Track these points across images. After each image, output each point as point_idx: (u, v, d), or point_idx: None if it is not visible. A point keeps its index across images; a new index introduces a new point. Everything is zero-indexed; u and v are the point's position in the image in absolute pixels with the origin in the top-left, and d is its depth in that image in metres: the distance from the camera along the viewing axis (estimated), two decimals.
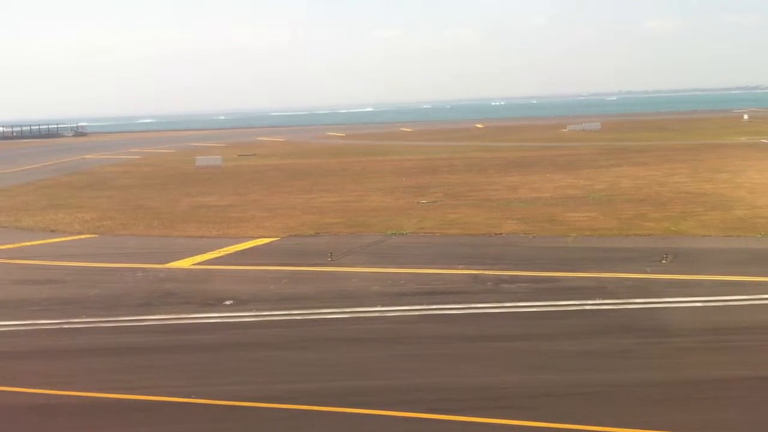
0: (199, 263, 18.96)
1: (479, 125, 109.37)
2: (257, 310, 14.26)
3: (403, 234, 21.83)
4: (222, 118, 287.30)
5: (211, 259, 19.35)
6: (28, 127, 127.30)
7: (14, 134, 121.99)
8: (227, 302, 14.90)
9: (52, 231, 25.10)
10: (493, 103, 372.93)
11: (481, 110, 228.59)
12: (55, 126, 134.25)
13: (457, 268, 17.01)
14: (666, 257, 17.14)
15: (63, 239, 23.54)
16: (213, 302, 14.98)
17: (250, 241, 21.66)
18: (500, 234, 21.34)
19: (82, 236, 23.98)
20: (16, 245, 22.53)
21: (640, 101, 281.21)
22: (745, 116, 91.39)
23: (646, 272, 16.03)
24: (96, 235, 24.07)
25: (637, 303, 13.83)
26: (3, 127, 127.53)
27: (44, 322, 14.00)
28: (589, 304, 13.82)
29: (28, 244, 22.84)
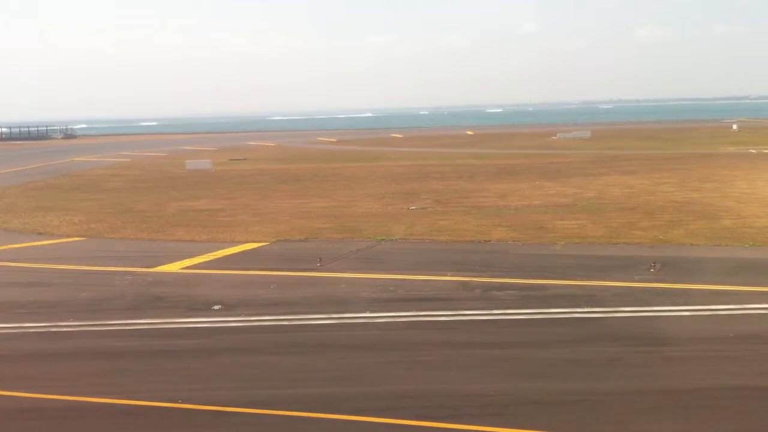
0: (187, 267, 18.91)
1: (470, 132, 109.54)
2: (245, 315, 14.23)
3: (392, 240, 21.83)
4: (223, 121, 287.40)
5: (199, 264, 19.30)
6: (17, 129, 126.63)
7: (3, 136, 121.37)
8: (215, 307, 14.86)
9: (40, 233, 24.98)
10: (489, 110, 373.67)
11: (477, 117, 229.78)
12: (44, 128, 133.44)
13: (446, 275, 17.02)
14: (654, 266, 17.20)
15: (51, 242, 23.43)
16: (201, 307, 14.94)
17: (240, 246, 21.62)
18: (489, 241, 21.37)
19: (71, 239, 23.89)
20: (4, 247, 22.42)
21: (632, 110, 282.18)
22: (734, 126, 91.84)
23: (634, 280, 16.07)
24: (84, 238, 23.98)
25: (626, 311, 13.86)
26: None
27: (31, 325, 13.93)
28: (578, 312, 13.85)
29: (16, 246, 22.73)
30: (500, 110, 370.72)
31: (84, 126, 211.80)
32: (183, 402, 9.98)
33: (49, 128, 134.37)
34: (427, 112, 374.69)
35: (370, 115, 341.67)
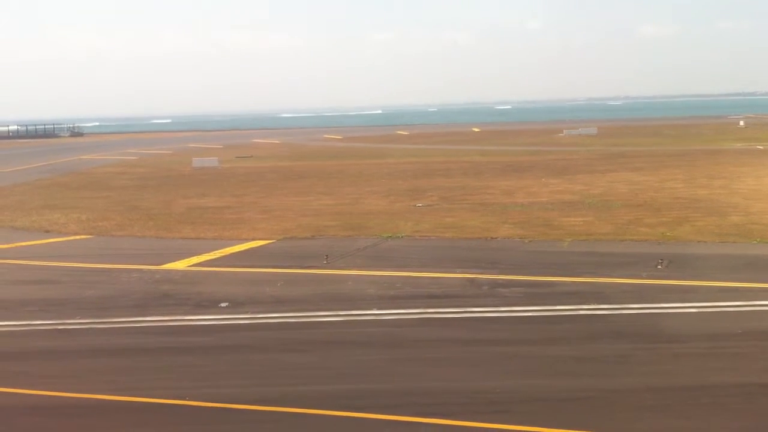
0: (194, 265, 18.94)
1: (476, 129, 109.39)
2: (253, 312, 14.24)
3: (399, 237, 21.82)
4: (235, 118, 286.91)
5: (206, 261, 19.32)
6: (24, 127, 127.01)
7: (10, 134, 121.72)
8: (223, 304, 14.88)
9: (48, 231, 25.05)
10: (499, 107, 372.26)
11: (486, 114, 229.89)
12: (52, 126, 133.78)
13: (453, 272, 17.00)
14: (661, 263, 17.17)
15: (58, 240, 23.50)
16: (208, 304, 14.96)
17: (246, 243, 21.64)
18: (496, 238, 21.35)
19: (78, 237, 23.95)
20: (11, 245, 22.48)
21: (640, 106, 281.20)
22: (741, 122, 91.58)
23: (641, 277, 16.04)
24: (91, 236, 24.03)
25: (633, 308, 13.83)
26: None
27: (39, 323, 13.97)
28: (585, 309, 13.83)
29: (23, 244, 22.79)
30: (509, 107, 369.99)
31: (96, 124, 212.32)
32: (191, 399, 10.00)
33: (56, 126, 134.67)
34: (435, 110, 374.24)
35: (380, 112, 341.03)
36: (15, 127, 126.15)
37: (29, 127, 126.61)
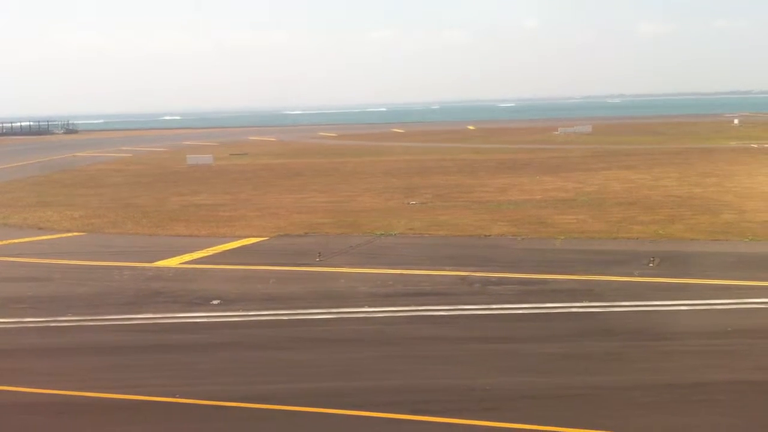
0: (187, 262, 18.91)
1: (471, 127, 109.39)
2: (244, 309, 14.23)
3: (392, 235, 21.82)
4: (242, 115, 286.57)
5: (199, 258, 19.30)
6: (18, 124, 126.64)
7: (4, 131, 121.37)
8: (214, 302, 14.87)
9: (41, 228, 25.00)
10: (503, 105, 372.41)
11: (489, 111, 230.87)
12: (46, 123, 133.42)
13: (446, 270, 17.01)
14: (654, 260, 17.19)
15: (51, 237, 23.45)
16: (200, 301, 14.95)
17: (239, 241, 21.62)
18: (489, 236, 21.35)
19: (71, 234, 23.91)
20: (4, 242, 22.44)
21: (638, 104, 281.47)
22: (736, 121, 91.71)
23: (633, 275, 16.07)
24: (84, 233, 23.99)
25: (624, 306, 13.86)
26: None
27: (30, 320, 13.95)
28: (576, 307, 13.85)
29: (16, 241, 22.75)
30: (513, 104, 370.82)
31: (101, 121, 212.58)
32: (183, 396, 9.99)
33: (50, 123, 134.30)
34: (437, 107, 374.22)
35: (384, 110, 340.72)
36: (9, 124, 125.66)
37: (23, 124, 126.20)
